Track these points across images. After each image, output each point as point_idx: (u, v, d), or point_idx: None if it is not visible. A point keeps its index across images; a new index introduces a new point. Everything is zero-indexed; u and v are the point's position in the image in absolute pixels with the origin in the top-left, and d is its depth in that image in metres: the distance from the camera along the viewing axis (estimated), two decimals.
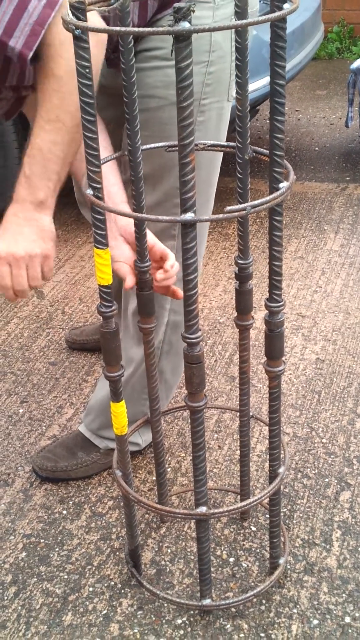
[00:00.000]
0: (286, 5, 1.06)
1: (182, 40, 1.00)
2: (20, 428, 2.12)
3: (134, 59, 1.21)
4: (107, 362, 1.36)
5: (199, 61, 1.50)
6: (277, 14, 1.05)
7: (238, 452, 1.94)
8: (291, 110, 4.75)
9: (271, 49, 1.12)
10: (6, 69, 1.33)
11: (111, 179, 1.45)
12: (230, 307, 2.64)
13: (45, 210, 1.36)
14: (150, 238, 1.41)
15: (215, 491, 1.86)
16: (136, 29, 1.01)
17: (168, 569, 1.66)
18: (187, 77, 1.02)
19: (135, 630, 1.52)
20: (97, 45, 1.27)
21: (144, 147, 1.35)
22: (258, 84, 2.94)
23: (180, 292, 1.46)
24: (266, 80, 3.01)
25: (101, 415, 1.88)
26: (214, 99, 1.57)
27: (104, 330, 1.32)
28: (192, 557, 1.68)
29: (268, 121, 4.69)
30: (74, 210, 3.44)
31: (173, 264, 1.42)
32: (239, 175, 1.29)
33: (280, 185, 1.18)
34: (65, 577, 1.65)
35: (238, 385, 2.15)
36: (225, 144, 1.36)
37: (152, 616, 1.55)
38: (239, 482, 1.83)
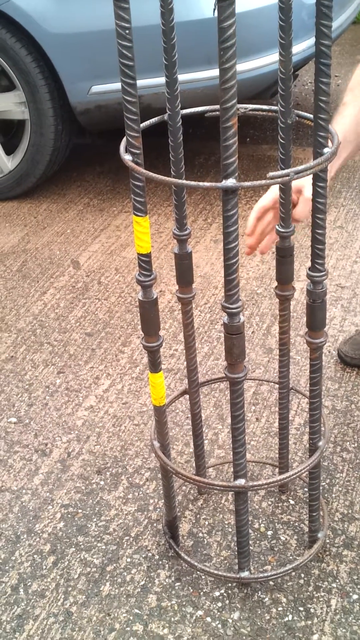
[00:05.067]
0: None
1: None
2: (58, 399, 2.11)
3: (174, 21, 1.17)
4: (145, 332, 1.34)
5: None
6: None
7: (275, 424, 1.92)
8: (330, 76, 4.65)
9: (317, 8, 1.07)
10: None
11: None
12: (268, 278, 2.60)
13: None
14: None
15: (253, 464, 1.84)
16: None
17: (205, 541, 1.65)
18: (229, 38, 0.98)
19: (173, 602, 1.52)
20: None
21: (184, 111, 1.31)
22: (298, 48, 2.88)
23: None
24: (306, 44, 2.94)
25: None
26: None
27: (143, 299, 1.30)
28: (230, 530, 1.67)
29: (306, 87, 4.58)
30: (109, 180, 3.41)
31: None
32: (281, 141, 1.25)
33: (325, 150, 1.15)
34: (103, 547, 1.65)
35: (276, 357, 2.13)
36: (267, 107, 1.32)
37: (190, 588, 1.54)
38: (276, 455, 1.81)
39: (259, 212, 1.49)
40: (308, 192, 1.40)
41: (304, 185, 1.42)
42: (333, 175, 1.53)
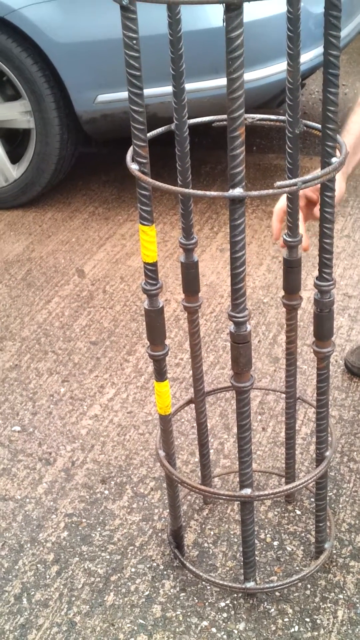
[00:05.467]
0: None
1: (233, 9, 0.97)
2: (62, 407, 2.11)
3: (181, 31, 1.18)
4: (151, 341, 1.34)
5: None
6: None
7: (282, 434, 1.91)
8: None
9: (325, 19, 1.07)
10: None
11: None
12: (274, 287, 2.60)
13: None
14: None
15: (259, 474, 1.83)
16: None
17: (211, 551, 1.64)
18: (237, 48, 0.98)
19: (178, 612, 1.51)
20: None
21: (191, 121, 1.31)
22: (305, 57, 2.88)
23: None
24: (313, 53, 2.94)
25: None
26: None
27: (149, 308, 1.30)
28: (235, 540, 1.66)
29: (313, 95, 4.56)
30: (115, 188, 3.42)
31: None
32: (289, 150, 1.25)
33: (332, 159, 1.14)
34: (107, 557, 1.64)
35: (282, 367, 2.12)
36: (275, 117, 1.32)
37: (195, 598, 1.53)
38: (282, 465, 1.80)
39: (280, 214, 1.49)
40: None
41: None
42: (350, 171, 1.55)
